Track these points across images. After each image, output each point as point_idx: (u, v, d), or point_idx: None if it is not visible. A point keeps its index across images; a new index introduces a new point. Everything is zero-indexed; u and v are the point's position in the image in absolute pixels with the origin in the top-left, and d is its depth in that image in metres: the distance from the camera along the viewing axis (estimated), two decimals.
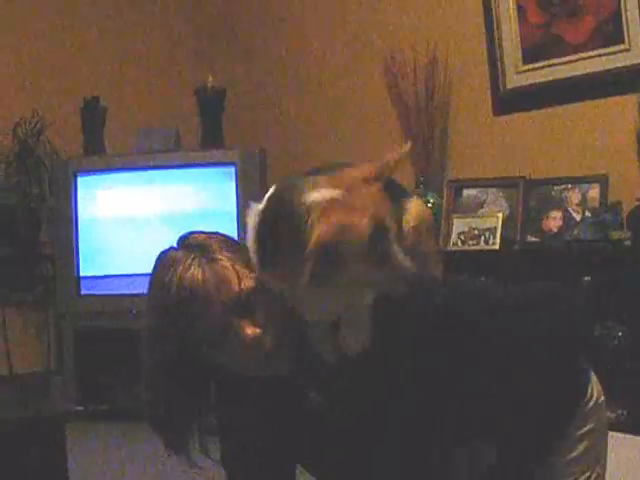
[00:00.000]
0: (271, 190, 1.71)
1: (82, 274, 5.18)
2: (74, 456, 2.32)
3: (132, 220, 5.20)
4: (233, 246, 1.78)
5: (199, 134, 5.57)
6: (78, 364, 5.22)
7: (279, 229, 1.62)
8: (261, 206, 1.68)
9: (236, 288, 1.70)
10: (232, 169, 5.08)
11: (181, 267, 1.70)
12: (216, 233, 1.85)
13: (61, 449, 2.21)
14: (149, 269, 1.78)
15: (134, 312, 4.59)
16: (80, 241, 5.19)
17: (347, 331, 1.71)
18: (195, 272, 1.69)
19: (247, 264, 1.72)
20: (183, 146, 5.52)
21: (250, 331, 1.71)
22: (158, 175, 5.24)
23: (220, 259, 1.71)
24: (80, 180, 5.23)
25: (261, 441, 1.92)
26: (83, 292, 5.18)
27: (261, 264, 1.67)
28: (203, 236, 1.80)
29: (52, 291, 5.38)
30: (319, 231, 1.55)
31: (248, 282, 1.71)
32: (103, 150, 5.52)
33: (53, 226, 5.40)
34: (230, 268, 1.71)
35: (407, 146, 1.79)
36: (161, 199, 5.21)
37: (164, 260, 1.76)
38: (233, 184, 5.06)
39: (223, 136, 5.59)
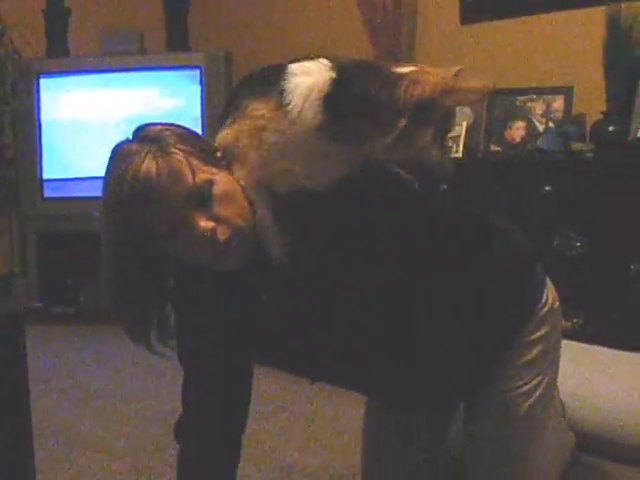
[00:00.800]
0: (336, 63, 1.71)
1: (45, 177, 5.16)
2: (35, 356, 2.35)
3: (96, 123, 5.15)
4: (189, 138, 1.78)
5: (164, 37, 5.51)
6: (41, 266, 5.24)
7: (367, 93, 1.64)
8: (333, 75, 1.68)
9: (190, 182, 1.70)
10: (197, 72, 5.04)
11: (135, 160, 1.70)
12: (172, 125, 1.83)
13: (20, 347, 2.22)
14: None
15: (96, 215, 4.60)
16: (43, 144, 5.15)
17: None
18: (149, 165, 1.68)
19: (203, 157, 1.74)
20: (148, 49, 5.46)
21: (204, 224, 1.71)
22: (122, 78, 5.18)
23: (174, 152, 1.71)
24: (43, 82, 5.16)
25: (215, 333, 1.95)
26: (46, 195, 5.16)
27: (328, 133, 1.67)
28: (159, 128, 1.79)
29: (15, 194, 5.36)
30: (422, 88, 1.63)
31: (203, 175, 1.71)
32: (67, 52, 5.44)
33: (16, 129, 5.34)
34: (184, 161, 1.71)
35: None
36: (125, 102, 5.16)
37: (118, 153, 1.76)
38: (198, 87, 5.03)
39: (188, 39, 5.54)
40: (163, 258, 1.79)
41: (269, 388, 2.30)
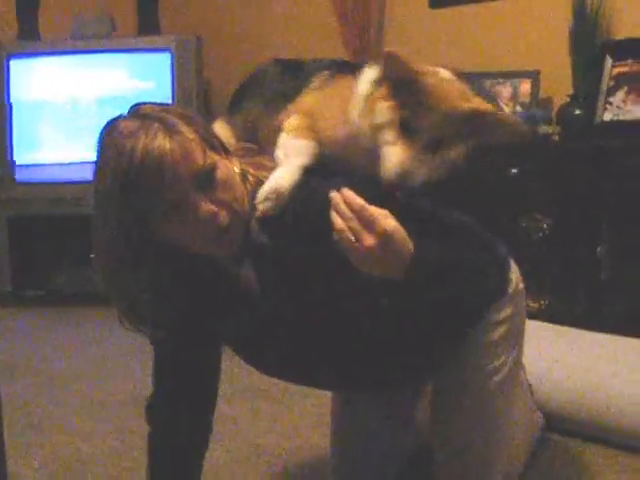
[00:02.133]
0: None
1: (16, 160, 5.14)
2: (5, 340, 2.35)
3: (66, 106, 5.14)
4: (191, 120, 1.76)
5: (135, 21, 5.50)
6: (12, 250, 5.23)
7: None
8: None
9: (200, 162, 1.70)
10: (168, 55, 5.03)
11: (145, 136, 1.67)
12: (169, 104, 1.84)
13: None
14: (83, 156, 1.75)
15: (68, 199, 4.60)
16: (14, 127, 5.14)
17: None
18: (162, 142, 1.66)
19: (206, 140, 1.74)
20: (119, 32, 5.45)
21: (206, 206, 1.72)
22: (93, 60, 5.15)
23: (183, 131, 1.70)
24: (13, 64, 5.13)
25: (187, 316, 1.97)
26: (17, 179, 5.15)
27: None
28: (158, 108, 1.77)
29: None
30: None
31: (212, 157, 1.73)
32: (38, 35, 5.42)
33: None
34: (196, 141, 1.71)
35: None
36: (96, 85, 5.14)
37: (120, 129, 1.72)
38: (169, 70, 5.03)
39: (159, 23, 5.53)
40: (156, 238, 1.78)
41: (238, 369, 2.32)
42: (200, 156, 1.70)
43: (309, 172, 1.80)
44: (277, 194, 1.76)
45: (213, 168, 1.73)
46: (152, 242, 1.76)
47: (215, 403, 2.17)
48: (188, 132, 1.71)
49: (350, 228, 1.59)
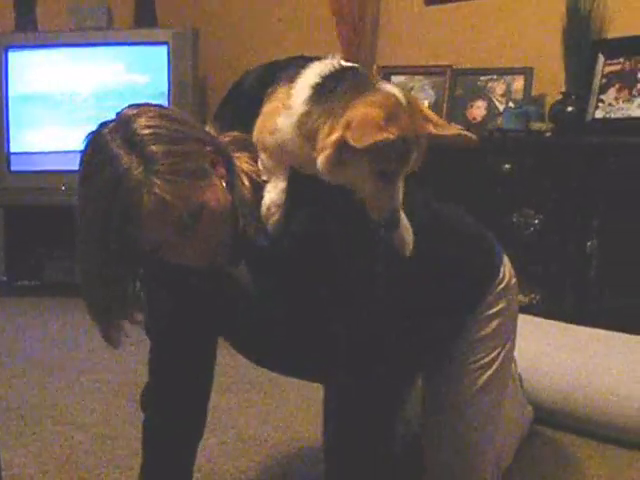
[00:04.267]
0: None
1: (12, 151, 5.17)
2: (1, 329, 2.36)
3: (62, 98, 5.16)
4: (178, 139, 1.68)
5: (132, 14, 5.52)
6: (7, 240, 5.25)
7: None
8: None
9: (180, 210, 1.64)
10: (164, 48, 5.05)
11: (121, 175, 1.61)
12: (164, 111, 1.75)
13: None
14: (79, 146, 1.71)
15: (63, 189, 4.62)
16: (10, 118, 5.16)
17: None
18: (138, 197, 1.61)
19: (192, 169, 1.67)
20: (116, 25, 5.47)
21: (188, 251, 1.71)
22: (90, 53, 5.18)
23: (163, 179, 1.62)
24: (11, 55, 5.15)
25: (182, 307, 1.99)
26: (12, 168, 5.17)
27: None
28: (143, 123, 1.68)
29: None
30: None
31: (192, 201, 1.66)
32: (35, 27, 5.44)
33: None
34: (174, 189, 1.62)
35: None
36: (92, 77, 5.16)
37: (101, 146, 1.67)
38: (165, 63, 5.04)
39: (156, 15, 5.55)
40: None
41: (231, 360, 2.34)
42: (180, 204, 1.64)
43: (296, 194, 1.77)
44: (277, 206, 1.75)
45: (199, 208, 1.68)
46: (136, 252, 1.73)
47: (210, 391, 2.18)
48: (168, 174, 1.63)
49: None
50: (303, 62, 1.70)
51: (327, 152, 1.57)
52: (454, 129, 1.71)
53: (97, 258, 1.70)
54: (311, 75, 1.65)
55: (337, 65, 1.66)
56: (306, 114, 1.62)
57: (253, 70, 1.94)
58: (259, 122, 1.75)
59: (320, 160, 1.58)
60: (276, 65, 1.86)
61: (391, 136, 1.53)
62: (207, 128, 1.85)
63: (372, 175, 1.59)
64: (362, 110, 1.55)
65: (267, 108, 1.72)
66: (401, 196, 1.63)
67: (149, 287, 1.94)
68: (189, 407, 2.13)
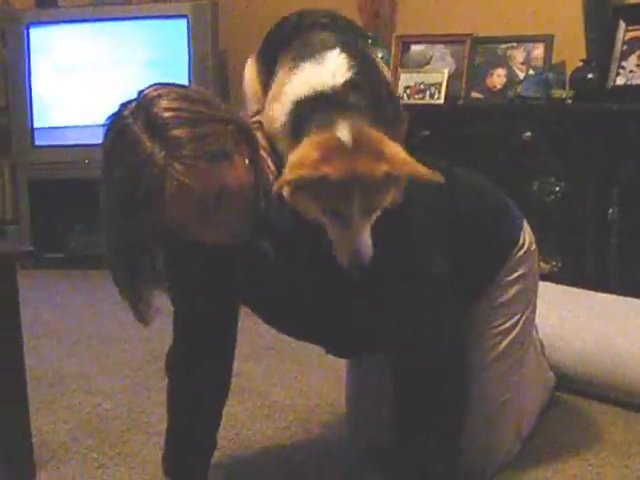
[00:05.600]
0: None
1: (36, 125, 5.20)
2: (26, 300, 2.38)
3: (84, 72, 5.19)
4: (198, 120, 1.68)
5: None
6: (33, 213, 5.29)
7: None
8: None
9: (199, 192, 1.66)
10: (184, 21, 5.06)
11: (143, 160, 1.63)
12: (185, 90, 1.76)
13: (13, 289, 2.26)
14: (101, 120, 1.72)
15: (87, 162, 4.66)
16: (33, 93, 5.20)
17: None
18: (160, 181, 1.62)
19: (212, 151, 1.67)
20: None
21: (209, 234, 1.76)
22: (110, 27, 5.20)
23: (185, 163, 1.63)
24: (32, 32, 5.19)
25: (205, 274, 2.00)
26: (37, 143, 5.21)
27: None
28: (164, 106, 1.67)
29: (8, 142, 5.38)
30: None
31: (213, 183, 1.67)
32: (55, 3, 5.48)
33: (6, 78, 5.36)
34: (195, 172, 1.64)
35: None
36: (113, 51, 5.18)
37: (121, 132, 1.68)
38: (185, 36, 5.05)
39: None
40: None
41: (257, 327, 2.36)
42: (200, 186, 1.65)
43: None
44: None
45: (219, 191, 1.69)
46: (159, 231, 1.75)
47: (233, 355, 2.20)
48: (190, 157, 1.64)
49: None
50: (326, 32, 1.83)
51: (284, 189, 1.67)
52: (412, 169, 1.67)
53: (121, 237, 1.73)
54: (304, 86, 1.71)
55: (331, 83, 1.71)
56: (282, 127, 1.74)
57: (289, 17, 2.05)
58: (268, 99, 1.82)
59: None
60: (306, 17, 1.96)
61: (317, 174, 1.60)
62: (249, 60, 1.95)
63: (325, 214, 1.67)
64: (301, 150, 1.65)
65: (273, 86, 1.81)
66: (369, 244, 1.68)
67: (172, 252, 1.95)
68: (213, 369, 2.15)
